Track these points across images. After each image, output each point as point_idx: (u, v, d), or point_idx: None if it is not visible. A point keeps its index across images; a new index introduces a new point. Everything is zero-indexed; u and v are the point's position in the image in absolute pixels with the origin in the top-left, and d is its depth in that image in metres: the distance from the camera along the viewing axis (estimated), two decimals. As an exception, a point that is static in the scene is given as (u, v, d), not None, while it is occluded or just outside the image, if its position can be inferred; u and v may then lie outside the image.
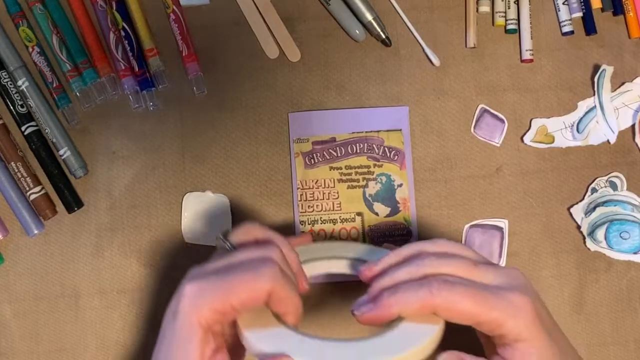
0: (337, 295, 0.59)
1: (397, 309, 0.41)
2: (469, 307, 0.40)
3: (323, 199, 0.59)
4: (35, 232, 0.58)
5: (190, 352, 0.39)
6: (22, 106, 0.58)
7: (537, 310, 0.40)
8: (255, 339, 0.41)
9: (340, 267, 0.50)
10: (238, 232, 0.47)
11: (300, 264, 0.47)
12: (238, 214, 0.59)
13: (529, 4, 0.61)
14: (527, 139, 0.60)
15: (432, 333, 0.41)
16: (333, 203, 0.59)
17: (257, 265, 0.41)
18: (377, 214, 0.59)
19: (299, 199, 0.59)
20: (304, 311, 0.43)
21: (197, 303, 0.40)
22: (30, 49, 0.59)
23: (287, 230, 0.59)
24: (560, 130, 0.60)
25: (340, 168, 0.59)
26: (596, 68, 0.61)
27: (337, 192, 0.59)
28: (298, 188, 0.59)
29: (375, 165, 0.60)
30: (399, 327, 0.42)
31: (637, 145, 0.61)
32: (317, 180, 0.59)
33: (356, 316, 0.42)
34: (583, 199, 0.60)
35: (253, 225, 0.47)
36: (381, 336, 0.42)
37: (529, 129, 0.60)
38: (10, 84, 0.58)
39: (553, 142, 0.60)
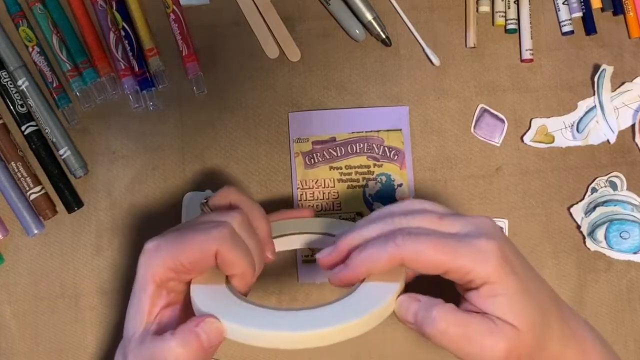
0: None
1: (366, 267, 0.41)
2: (435, 256, 0.39)
3: (323, 199, 0.59)
4: (35, 232, 0.58)
5: (142, 304, 0.42)
6: (22, 106, 0.58)
7: (504, 253, 0.40)
8: (195, 295, 0.42)
9: (317, 242, 0.51)
10: (216, 195, 0.49)
11: (269, 233, 0.48)
12: (238, 214, 0.59)
13: (529, 4, 0.61)
14: (527, 138, 0.60)
15: (378, 305, 0.41)
16: (333, 203, 0.59)
17: (209, 227, 0.42)
18: (377, 213, 0.59)
19: (299, 198, 0.59)
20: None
21: (151, 260, 0.42)
22: (30, 49, 0.59)
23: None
24: (560, 130, 0.60)
25: (340, 168, 0.60)
26: (596, 68, 0.61)
27: (337, 192, 0.59)
28: (298, 188, 0.59)
29: (375, 165, 0.60)
30: (356, 291, 0.42)
31: (637, 145, 0.61)
32: (317, 180, 0.59)
33: (329, 280, 0.43)
34: (583, 198, 0.60)
35: (230, 190, 0.49)
36: (329, 304, 0.41)
37: (529, 128, 0.60)
38: (10, 84, 0.58)
39: (553, 142, 0.60)
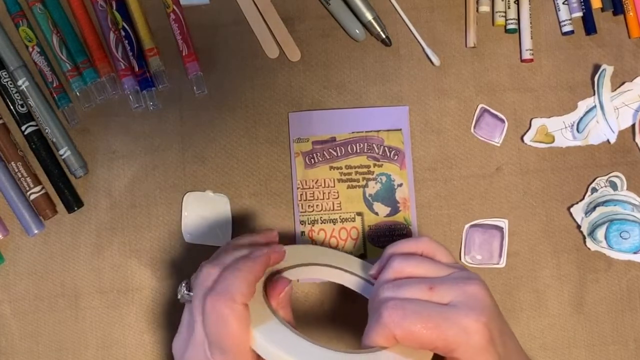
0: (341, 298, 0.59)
1: (375, 344, 0.43)
2: (424, 335, 0.41)
3: (323, 199, 0.59)
4: (36, 231, 0.58)
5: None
6: (22, 106, 0.58)
7: (490, 335, 0.41)
8: (260, 336, 0.43)
9: (335, 276, 0.52)
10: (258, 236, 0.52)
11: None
12: (238, 214, 0.59)
13: (529, 4, 0.61)
14: (527, 138, 0.60)
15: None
16: (333, 203, 0.59)
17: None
18: (377, 213, 0.59)
19: (299, 198, 0.59)
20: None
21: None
22: (30, 49, 0.59)
23: (287, 229, 0.59)
24: (560, 130, 0.60)
25: (340, 168, 0.59)
26: (596, 68, 0.61)
27: (337, 192, 0.59)
28: (298, 188, 0.59)
29: (375, 165, 0.60)
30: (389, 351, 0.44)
31: (637, 145, 0.61)
32: (317, 180, 0.59)
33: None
34: (583, 198, 0.60)
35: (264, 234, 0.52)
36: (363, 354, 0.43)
37: (529, 128, 0.60)
38: (11, 84, 0.58)
39: (553, 141, 0.60)
